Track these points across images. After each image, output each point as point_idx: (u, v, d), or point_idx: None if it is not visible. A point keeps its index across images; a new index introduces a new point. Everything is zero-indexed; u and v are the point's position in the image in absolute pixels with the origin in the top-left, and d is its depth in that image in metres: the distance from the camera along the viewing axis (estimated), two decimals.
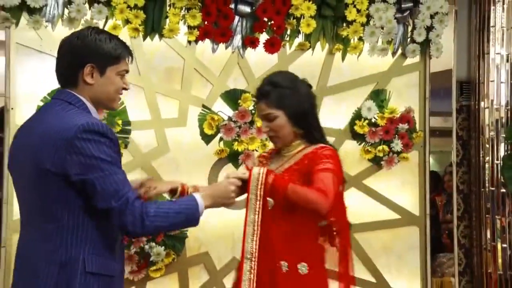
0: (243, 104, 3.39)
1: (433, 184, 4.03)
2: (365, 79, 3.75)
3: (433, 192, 4.17)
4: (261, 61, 3.51)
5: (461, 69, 4.21)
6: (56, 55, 2.06)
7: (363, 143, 3.69)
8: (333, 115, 3.66)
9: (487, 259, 4.15)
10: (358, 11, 3.59)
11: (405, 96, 3.82)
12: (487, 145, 4.17)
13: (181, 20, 3.31)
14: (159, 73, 3.40)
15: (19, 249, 2.04)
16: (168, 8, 3.28)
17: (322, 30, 3.57)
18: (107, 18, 3.18)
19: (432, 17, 3.77)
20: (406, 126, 3.72)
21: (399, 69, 3.81)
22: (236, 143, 3.40)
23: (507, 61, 4.16)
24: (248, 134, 3.41)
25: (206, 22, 3.34)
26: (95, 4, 3.13)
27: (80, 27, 3.08)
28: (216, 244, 3.48)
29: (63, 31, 3.02)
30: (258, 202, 2.22)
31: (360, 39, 3.64)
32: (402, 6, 3.70)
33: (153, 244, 3.24)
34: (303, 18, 3.51)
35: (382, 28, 3.66)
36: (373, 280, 3.74)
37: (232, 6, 3.39)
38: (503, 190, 4.11)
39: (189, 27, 3.33)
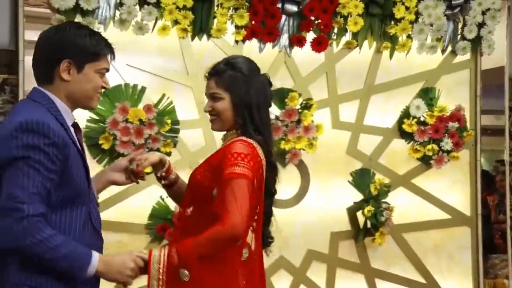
0: (290, 103, 3.40)
1: (484, 183, 3.96)
2: (413, 77, 3.71)
3: (484, 191, 4.09)
4: (308, 60, 3.51)
5: None
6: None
7: (412, 142, 3.66)
8: (381, 113, 3.63)
9: None
10: (407, 8, 3.55)
11: (455, 94, 3.77)
12: None
13: (229, 20, 3.34)
14: None
15: None
16: (216, 8, 3.31)
17: (369, 28, 3.55)
18: (156, 19, 3.24)
19: (483, 13, 3.71)
20: (456, 124, 3.67)
21: (449, 66, 3.76)
22: (283, 142, 3.40)
23: None
24: (295, 133, 3.41)
25: (253, 22, 3.36)
26: (145, 6, 3.19)
27: (130, 29, 3.16)
28: None
29: (114, 32, 3.09)
30: None
31: (409, 36, 3.60)
32: (453, 2, 3.66)
33: None
34: (351, 16, 3.49)
35: (431, 25, 3.62)
36: (422, 280, 3.70)
37: (279, 5, 3.40)
38: None
39: (237, 26, 3.36)
